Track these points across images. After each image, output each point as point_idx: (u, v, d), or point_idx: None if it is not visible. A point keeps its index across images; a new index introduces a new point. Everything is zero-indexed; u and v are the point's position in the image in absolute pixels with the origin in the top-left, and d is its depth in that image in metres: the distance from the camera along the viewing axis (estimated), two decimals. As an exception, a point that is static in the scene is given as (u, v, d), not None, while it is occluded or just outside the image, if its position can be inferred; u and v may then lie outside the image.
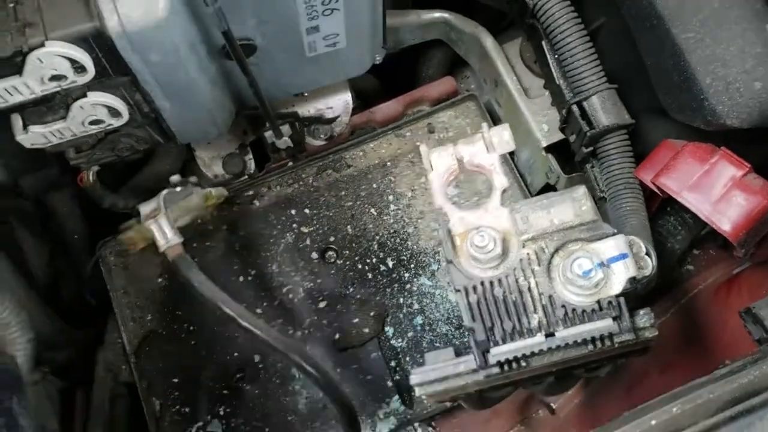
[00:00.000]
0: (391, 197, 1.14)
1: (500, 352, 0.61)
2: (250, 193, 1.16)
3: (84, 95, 0.82)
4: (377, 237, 1.12)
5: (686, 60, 0.74)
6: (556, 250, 0.61)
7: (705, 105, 0.74)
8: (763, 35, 0.69)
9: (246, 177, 1.16)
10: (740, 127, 0.73)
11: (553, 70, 0.94)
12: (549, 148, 1.05)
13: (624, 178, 0.89)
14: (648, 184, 0.85)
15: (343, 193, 1.14)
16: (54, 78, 0.76)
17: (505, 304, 0.61)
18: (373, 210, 1.13)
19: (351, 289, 1.10)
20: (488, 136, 0.66)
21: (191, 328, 1.09)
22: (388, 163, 1.16)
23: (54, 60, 0.74)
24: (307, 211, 1.14)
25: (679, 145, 0.82)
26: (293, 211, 1.14)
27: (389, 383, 1.06)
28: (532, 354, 0.61)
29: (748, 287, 0.93)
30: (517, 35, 1.14)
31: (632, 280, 0.60)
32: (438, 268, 1.10)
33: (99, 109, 0.84)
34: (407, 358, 1.07)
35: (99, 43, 0.75)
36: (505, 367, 0.62)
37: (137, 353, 1.09)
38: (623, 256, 0.60)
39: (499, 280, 0.62)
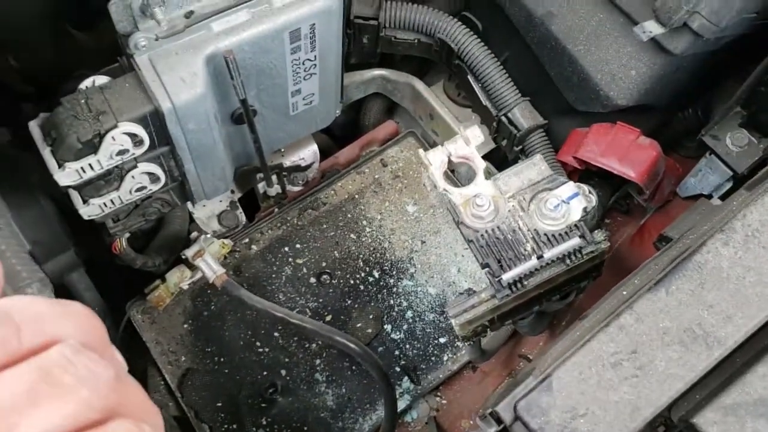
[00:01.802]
0: (364, 222, 1.38)
1: (509, 276, 0.86)
2: (246, 240, 1.37)
3: (135, 166, 1.02)
4: (361, 255, 1.36)
5: (581, 65, 1.05)
6: (531, 199, 0.88)
7: (600, 94, 1.04)
8: (630, 38, 1.00)
9: (240, 228, 1.37)
10: (627, 105, 1.04)
11: (479, 95, 1.24)
12: (483, 158, 1.33)
13: (549, 163, 1.18)
14: (568, 162, 1.14)
15: (324, 226, 1.38)
16: (120, 153, 0.97)
17: (506, 242, 0.87)
18: (352, 235, 1.37)
19: (349, 301, 1.33)
20: (465, 134, 0.93)
21: (221, 359, 1.28)
22: (356, 196, 1.41)
23: (122, 137, 0.95)
24: (298, 246, 1.36)
25: (586, 130, 1.12)
26: (287, 248, 1.36)
27: (397, 368, 1.28)
28: (530, 273, 0.87)
29: (655, 228, 1.23)
30: (437, 79, 1.45)
31: (584, 210, 0.88)
32: (415, 271, 1.35)
33: (144, 177, 1.05)
34: (407, 346, 1.30)
35: (153, 120, 0.97)
36: (513, 288, 0.87)
37: (180, 389, 1.26)
38: (576, 194, 0.88)
39: (498, 227, 0.87)
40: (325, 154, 1.46)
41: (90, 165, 0.96)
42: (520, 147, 1.21)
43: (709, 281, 0.74)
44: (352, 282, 1.34)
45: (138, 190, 1.07)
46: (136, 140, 0.97)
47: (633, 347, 0.74)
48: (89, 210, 1.05)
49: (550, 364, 0.76)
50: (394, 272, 1.35)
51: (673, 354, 0.73)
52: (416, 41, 1.25)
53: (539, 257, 0.86)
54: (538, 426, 0.73)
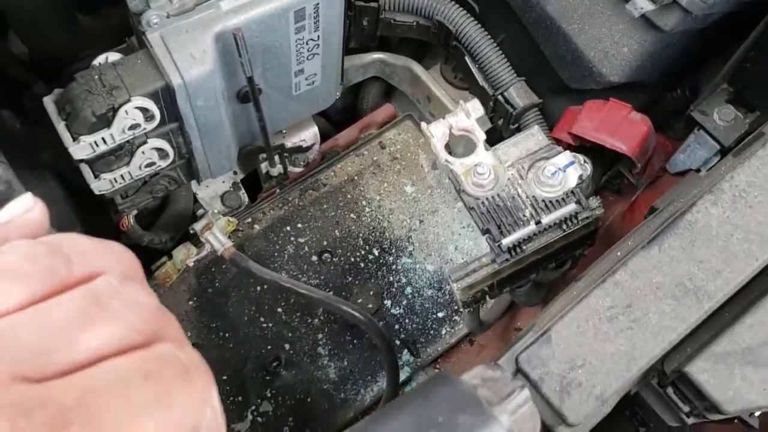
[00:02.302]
0: (364, 202, 1.42)
1: (508, 240, 0.90)
2: (249, 220, 1.40)
3: (145, 142, 1.06)
4: (361, 234, 1.40)
5: (575, 43, 1.09)
6: (530, 167, 0.92)
7: (594, 71, 1.09)
8: (622, 16, 1.05)
9: (242, 208, 1.41)
10: (620, 81, 1.08)
11: (476, 76, 1.28)
12: (480, 139, 1.38)
13: (545, 141, 1.22)
14: (563, 139, 1.18)
15: (325, 206, 1.42)
16: (131, 127, 1.00)
17: (505, 208, 0.91)
18: (352, 215, 1.41)
19: (350, 278, 1.36)
20: (466, 107, 0.97)
21: (226, 334, 1.31)
22: (356, 177, 1.44)
23: (134, 112, 0.98)
24: (299, 225, 1.40)
25: (580, 107, 1.16)
26: (288, 228, 1.40)
27: (397, 342, 1.32)
28: (529, 238, 0.91)
29: (646, 204, 1.27)
30: (434, 63, 1.49)
31: (580, 177, 0.92)
32: (413, 249, 1.39)
33: (153, 153, 1.08)
34: (407, 320, 1.34)
35: (164, 95, 1.00)
36: (512, 252, 0.91)
37: (187, 363, 1.29)
38: (572, 163, 0.92)
39: (498, 194, 0.91)
40: (323, 137, 1.49)
41: (103, 139, 0.99)
42: (516, 125, 1.25)
43: (699, 239, 0.78)
44: (352, 260, 1.37)
45: (147, 165, 1.10)
46: (148, 115, 1.00)
47: (628, 301, 0.78)
48: (100, 185, 1.08)
49: (549, 319, 0.80)
50: (393, 250, 1.39)
51: (666, 307, 0.77)
52: (415, 24, 1.29)
53: (537, 222, 0.90)
54: (538, 376, 0.77)
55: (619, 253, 0.85)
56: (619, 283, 0.79)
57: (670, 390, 0.78)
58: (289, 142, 1.38)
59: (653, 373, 0.80)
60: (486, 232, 0.91)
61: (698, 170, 1.15)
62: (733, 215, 0.79)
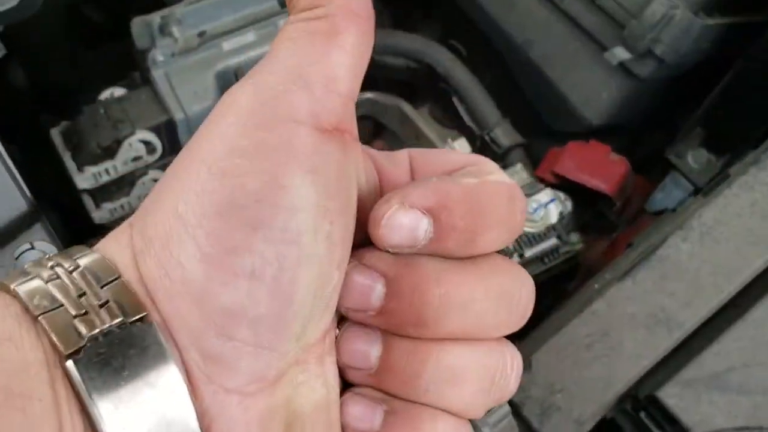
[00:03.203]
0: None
1: (492, 272, 0.95)
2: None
3: (146, 173, 1.10)
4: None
5: (558, 88, 1.15)
6: (513, 203, 0.98)
7: (576, 114, 1.15)
8: (601, 64, 1.11)
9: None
10: (600, 124, 1.14)
11: (463, 116, 1.34)
12: (466, 176, 1.43)
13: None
14: (546, 178, 1.24)
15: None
16: (134, 159, 1.05)
17: (490, 241, 0.96)
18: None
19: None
20: (453, 145, 1.03)
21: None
22: (346, 211, 1.49)
23: (137, 145, 1.03)
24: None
25: (562, 148, 1.22)
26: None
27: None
28: (512, 270, 0.96)
29: (626, 242, 1.33)
30: (423, 103, 1.55)
31: (560, 213, 0.97)
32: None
33: (151, 184, 1.13)
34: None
35: (167, 129, 1.05)
36: (496, 284, 0.96)
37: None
38: (553, 200, 0.97)
39: (483, 228, 0.97)
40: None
41: (107, 170, 1.04)
42: (502, 164, 1.31)
43: (671, 272, 0.83)
44: (342, 291, 1.41)
45: (145, 196, 1.14)
46: (150, 148, 1.05)
47: (604, 330, 0.82)
48: (101, 214, 1.12)
49: (530, 347, 0.85)
50: (382, 282, 1.43)
51: (639, 336, 0.82)
52: (406, 66, 1.36)
53: (521, 255, 0.96)
54: (519, 400, 0.81)
55: (596, 285, 0.90)
56: (596, 313, 0.84)
57: (642, 414, 0.82)
58: (283, 177, 1.43)
59: (628, 399, 0.85)
60: (471, 263, 0.96)
61: (674, 210, 1.21)
62: (702, 250, 0.84)
